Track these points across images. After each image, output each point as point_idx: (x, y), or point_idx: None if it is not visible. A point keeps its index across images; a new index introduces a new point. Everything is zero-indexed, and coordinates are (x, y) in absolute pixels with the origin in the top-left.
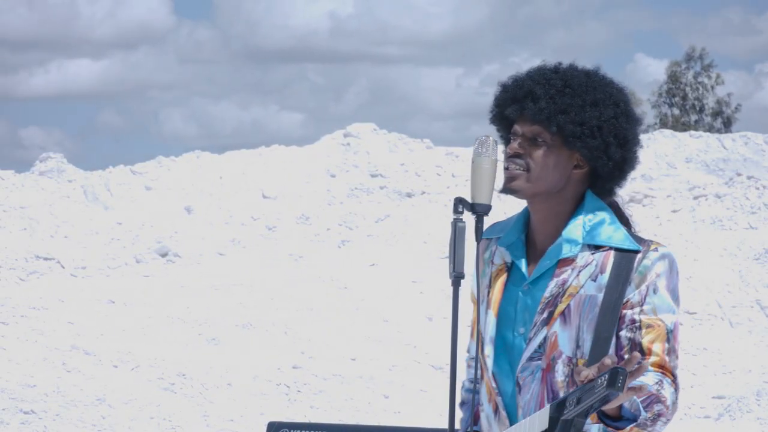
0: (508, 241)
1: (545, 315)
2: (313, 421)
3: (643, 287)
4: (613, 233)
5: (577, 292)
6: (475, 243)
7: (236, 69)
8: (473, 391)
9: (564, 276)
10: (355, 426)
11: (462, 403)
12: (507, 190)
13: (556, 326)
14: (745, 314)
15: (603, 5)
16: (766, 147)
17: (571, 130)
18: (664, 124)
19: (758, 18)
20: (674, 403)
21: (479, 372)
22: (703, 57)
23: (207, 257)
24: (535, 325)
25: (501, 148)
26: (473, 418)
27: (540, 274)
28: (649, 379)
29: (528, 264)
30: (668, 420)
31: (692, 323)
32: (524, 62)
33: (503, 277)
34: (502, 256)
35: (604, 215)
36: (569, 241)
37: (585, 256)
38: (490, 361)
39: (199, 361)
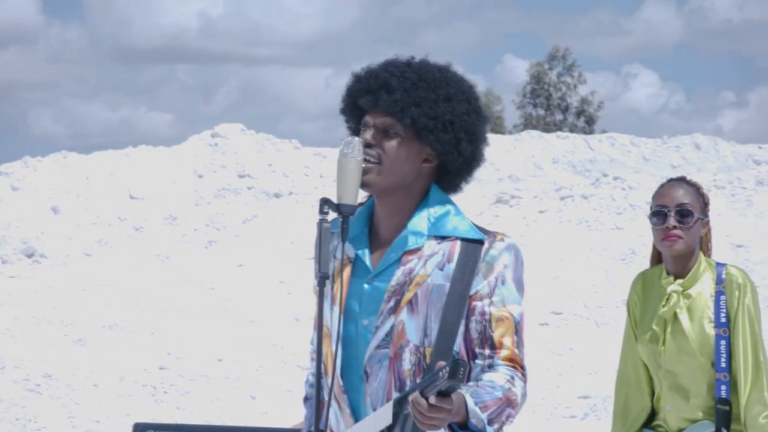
0: (350, 235)
1: (392, 303)
2: (180, 422)
3: (492, 278)
4: (458, 224)
5: (425, 281)
6: (342, 243)
7: (105, 69)
8: (317, 386)
9: (410, 265)
10: (222, 427)
11: (305, 399)
12: (360, 184)
13: (403, 315)
14: (611, 314)
15: (473, 6)
16: (632, 148)
17: (424, 123)
18: (529, 124)
19: (627, 19)
20: (524, 395)
21: (322, 368)
22: (566, 57)
23: (74, 258)
24: (381, 314)
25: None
26: (318, 415)
27: (386, 266)
28: (499, 377)
29: (372, 257)
30: (517, 414)
31: (558, 324)
32: None
33: (347, 271)
34: (344, 250)
35: (450, 207)
36: (415, 233)
37: (431, 246)
38: (338, 358)
39: (65, 362)
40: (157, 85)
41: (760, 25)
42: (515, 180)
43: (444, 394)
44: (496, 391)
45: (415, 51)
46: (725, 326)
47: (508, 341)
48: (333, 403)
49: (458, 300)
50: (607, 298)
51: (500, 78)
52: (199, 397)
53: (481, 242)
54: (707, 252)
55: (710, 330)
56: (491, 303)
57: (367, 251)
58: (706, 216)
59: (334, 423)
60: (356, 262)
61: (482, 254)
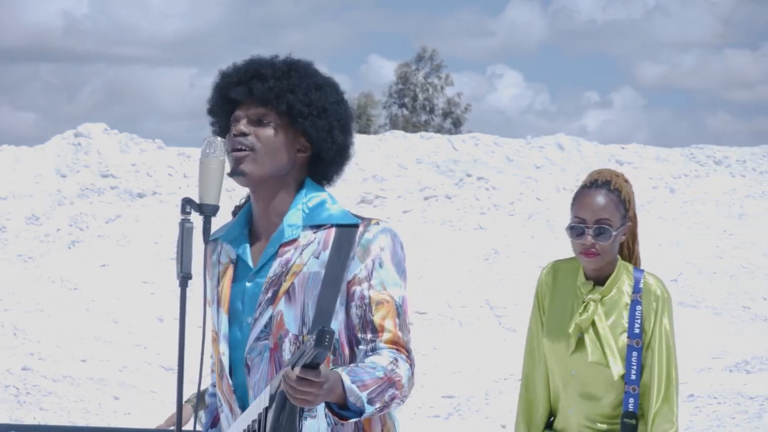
0: (230, 237)
1: (270, 294)
2: (43, 423)
3: (369, 261)
4: (333, 212)
5: (301, 270)
6: (203, 244)
7: None
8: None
9: (287, 255)
10: (85, 428)
11: (206, 407)
12: (234, 173)
13: (281, 305)
14: (475, 314)
15: (339, 6)
16: (495, 148)
17: (299, 110)
18: (395, 125)
19: (491, 20)
20: (410, 379)
21: (201, 372)
22: (433, 58)
23: None
24: (260, 306)
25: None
26: (213, 421)
27: (265, 261)
28: (382, 359)
29: (252, 255)
30: (405, 397)
31: (422, 323)
32: None
33: (230, 273)
34: (227, 253)
35: (324, 196)
36: (291, 225)
37: (307, 236)
38: (225, 359)
39: None
40: (20, 85)
41: (624, 25)
42: (379, 180)
43: (311, 366)
44: (377, 371)
45: (280, 51)
46: (638, 337)
47: (389, 324)
48: (225, 405)
49: (333, 283)
50: (471, 298)
51: (366, 78)
52: (63, 398)
53: (355, 226)
54: (633, 255)
55: (623, 340)
56: (370, 286)
57: (248, 250)
58: (628, 221)
59: (225, 426)
60: (238, 263)
61: (357, 238)
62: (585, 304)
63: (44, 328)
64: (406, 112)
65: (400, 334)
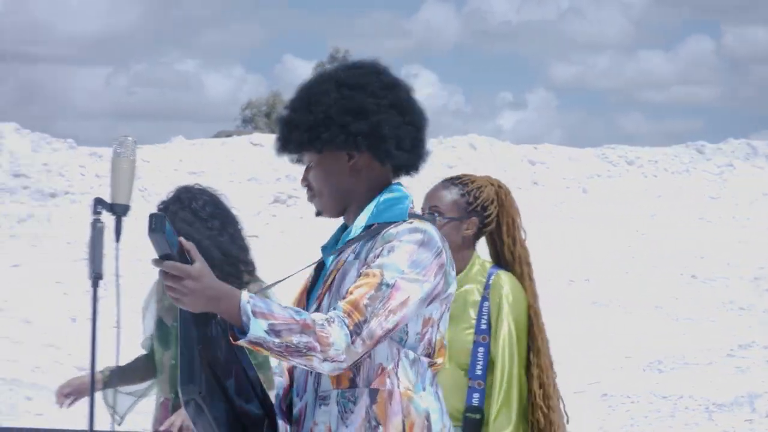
0: (325, 244)
1: (320, 290)
2: None
3: (380, 249)
4: (392, 212)
5: (343, 265)
6: (116, 243)
7: None
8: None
9: (342, 255)
10: None
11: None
12: (317, 214)
13: (325, 300)
14: None
15: (253, 6)
16: None
17: (306, 140)
18: None
19: (406, 20)
20: (348, 347)
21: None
22: (346, 58)
23: None
24: (312, 300)
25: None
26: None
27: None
28: (317, 314)
29: None
30: (333, 360)
31: None
32: (175, 61)
33: (311, 276)
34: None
35: (398, 197)
36: (356, 226)
37: (362, 235)
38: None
39: None
40: None
41: (538, 26)
42: (292, 180)
43: (161, 257)
44: (297, 314)
45: (195, 51)
46: (485, 333)
47: (359, 291)
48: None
49: (351, 271)
50: None
51: (281, 78)
52: None
53: (392, 223)
54: (515, 257)
55: (467, 337)
56: (368, 266)
57: (331, 257)
58: (473, 215)
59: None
60: (323, 268)
61: (384, 231)
62: None
63: None
64: None
65: (364, 302)
